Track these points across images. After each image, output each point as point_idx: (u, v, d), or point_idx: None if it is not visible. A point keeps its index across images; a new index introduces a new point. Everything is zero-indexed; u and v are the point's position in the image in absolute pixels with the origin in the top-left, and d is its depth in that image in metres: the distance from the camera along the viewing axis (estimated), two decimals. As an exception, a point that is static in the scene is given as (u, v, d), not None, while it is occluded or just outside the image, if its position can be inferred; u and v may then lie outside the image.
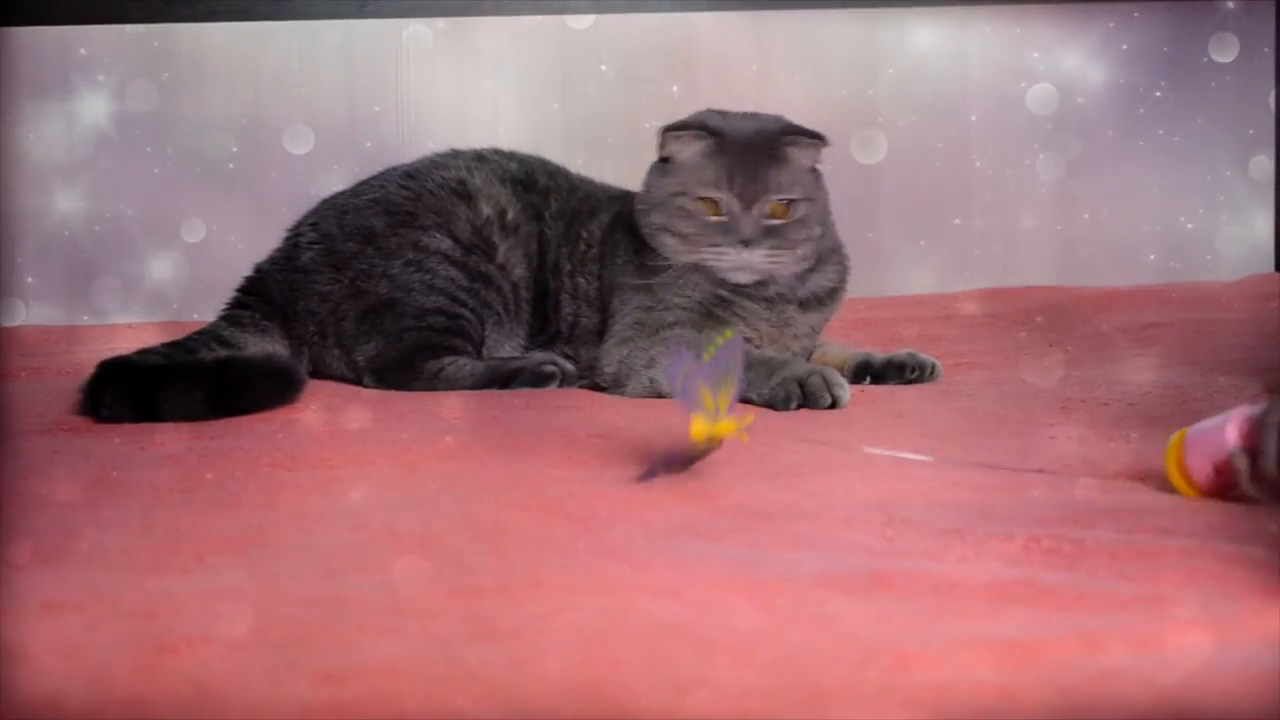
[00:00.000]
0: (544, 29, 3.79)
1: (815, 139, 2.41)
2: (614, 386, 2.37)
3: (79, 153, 3.65)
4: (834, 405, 2.16)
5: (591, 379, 2.43)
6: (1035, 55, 3.89)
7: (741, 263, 2.34)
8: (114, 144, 3.66)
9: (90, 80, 3.66)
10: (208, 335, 2.48)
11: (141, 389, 2.18)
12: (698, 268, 2.38)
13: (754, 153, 2.37)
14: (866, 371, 2.43)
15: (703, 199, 2.35)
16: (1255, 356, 2.53)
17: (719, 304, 2.38)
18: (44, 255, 3.65)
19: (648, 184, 2.44)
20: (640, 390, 2.33)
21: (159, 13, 3.69)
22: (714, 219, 2.34)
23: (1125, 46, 3.89)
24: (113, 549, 1.37)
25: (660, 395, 2.29)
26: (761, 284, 2.39)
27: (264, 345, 2.49)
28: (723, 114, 2.47)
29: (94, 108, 3.66)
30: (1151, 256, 3.91)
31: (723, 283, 2.37)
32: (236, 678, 1.05)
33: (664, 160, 2.43)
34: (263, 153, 3.71)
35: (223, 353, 2.39)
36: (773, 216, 2.34)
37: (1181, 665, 1.05)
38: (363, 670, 1.05)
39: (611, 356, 2.39)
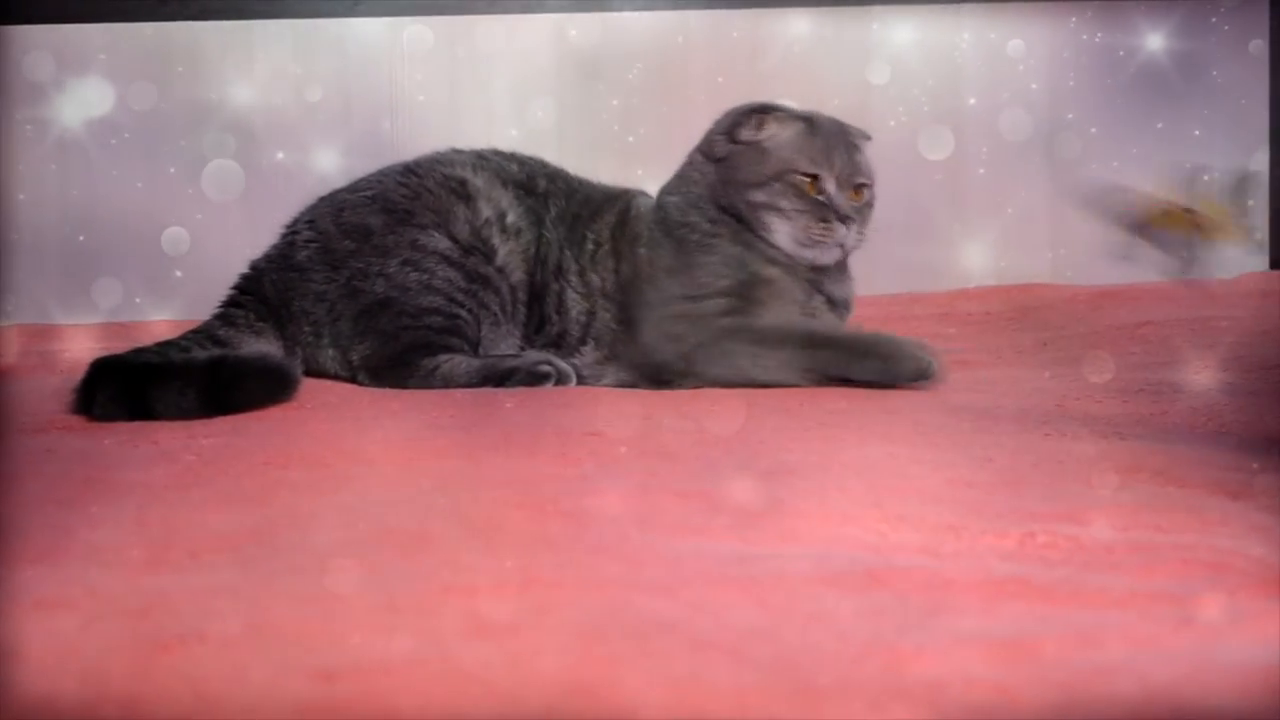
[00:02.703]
0: (538, 28, 3.79)
1: (868, 138, 2.61)
2: (678, 378, 2.40)
3: (72, 150, 3.65)
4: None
5: (634, 374, 2.46)
6: (1028, 53, 3.90)
7: (840, 239, 2.46)
8: (109, 141, 3.66)
9: (84, 79, 3.66)
10: (201, 334, 2.47)
11: (135, 387, 2.17)
12: (739, 246, 2.48)
13: (839, 139, 2.53)
14: None
15: (807, 175, 2.46)
16: (1251, 354, 2.53)
17: (759, 284, 2.46)
18: (37, 253, 3.65)
19: (737, 165, 2.52)
20: (721, 380, 2.37)
21: (153, 12, 3.69)
22: (817, 197, 2.46)
23: (1121, 44, 3.90)
24: (107, 547, 1.37)
25: (742, 384, 2.35)
26: (819, 270, 2.50)
27: (258, 345, 2.48)
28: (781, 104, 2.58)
29: (89, 106, 3.66)
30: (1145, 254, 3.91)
31: (768, 262, 2.47)
32: (231, 676, 1.05)
33: (742, 144, 2.52)
34: (258, 150, 3.71)
35: (216, 351, 2.38)
36: (852, 200, 2.49)
37: (1177, 662, 1.05)
38: (357, 668, 1.05)
39: (665, 350, 2.42)
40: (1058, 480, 1.62)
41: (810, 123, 2.52)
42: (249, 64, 3.72)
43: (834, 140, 2.50)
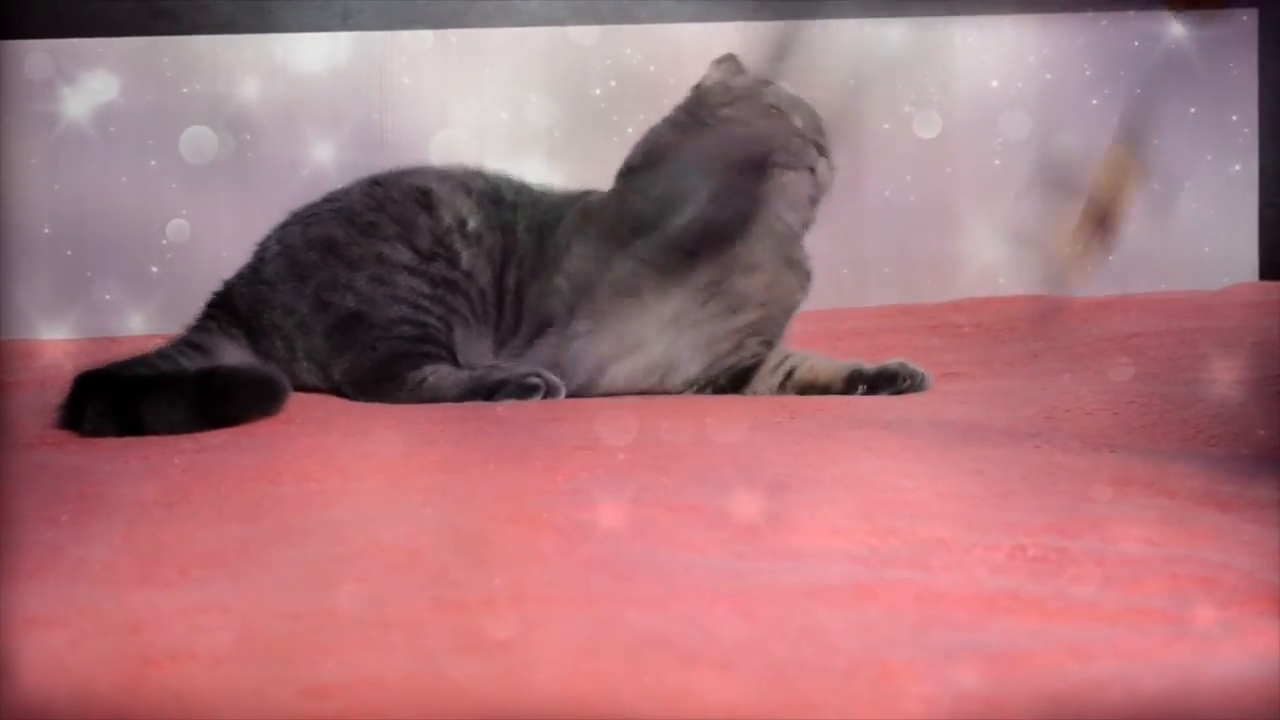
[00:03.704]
0: (529, 40, 3.80)
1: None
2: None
3: (65, 164, 3.65)
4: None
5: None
6: (1017, 61, 3.90)
7: (811, 160, 2.54)
8: (100, 156, 3.66)
9: (77, 92, 3.66)
10: (182, 344, 2.48)
11: (124, 401, 2.17)
12: None
13: (807, 105, 2.63)
14: (859, 381, 2.44)
15: (771, 105, 2.56)
16: (1242, 365, 2.54)
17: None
18: (28, 267, 3.65)
19: (699, 96, 2.65)
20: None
21: (146, 26, 3.70)
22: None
23: (1110, 53, 3.91)
24: (97, 563, 1.37)
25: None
26: None
27: (237, 353, 2.50)
28: None
29: (81, 120, 3.66)
30: (1135, 265, 3.91)
31: None
32: (220, 692, 1.04)
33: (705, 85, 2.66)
34: (248, 165, 3.71)
35: (206, 363, 2.39)
36: None
37: (1168, 675, 1.05)
38: (347, 684, 1.05)
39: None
40: (1048, 493, 1.62)
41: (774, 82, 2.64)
42: (243, 59, 3.72)
43: (798, 98, 2.61)
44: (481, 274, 2.55)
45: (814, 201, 2.58)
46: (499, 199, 2.64)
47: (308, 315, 2.50)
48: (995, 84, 3.90)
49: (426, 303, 2.48)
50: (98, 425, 2.15)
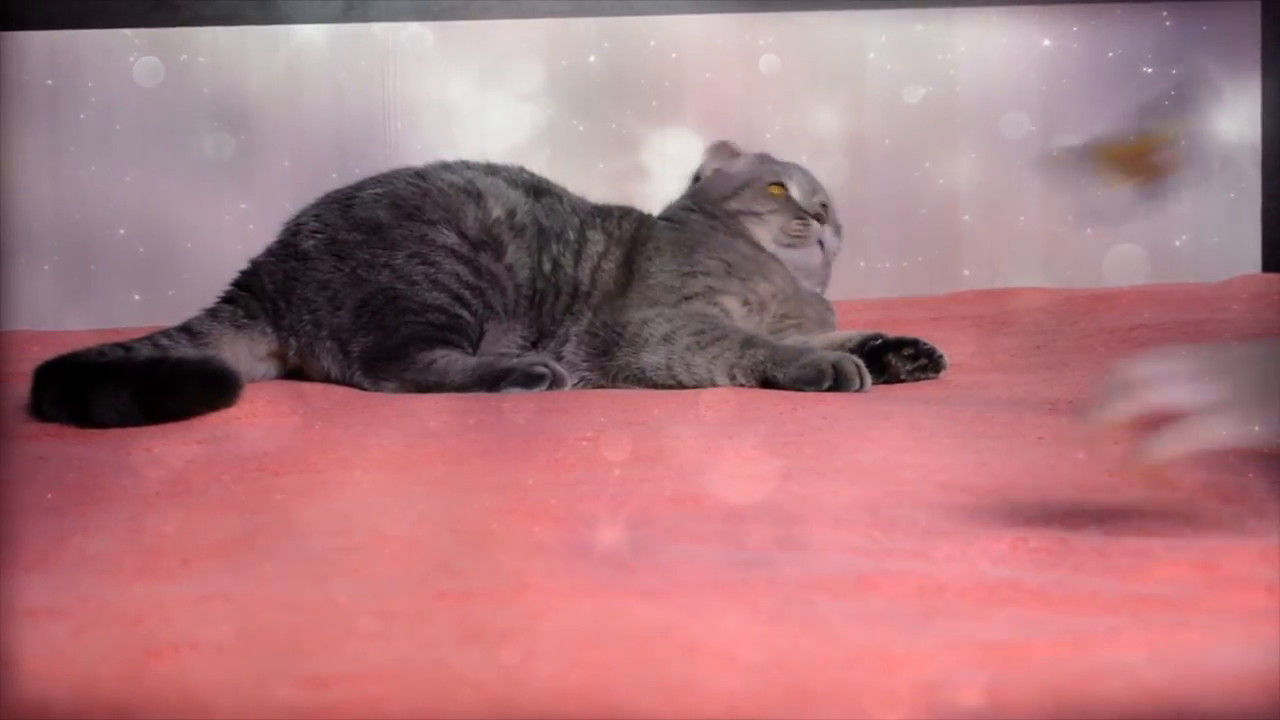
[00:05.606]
0: (531, 31, 3.79)
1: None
2: (629, 347, 2.43)
3: (67, 155, 3.65)
4: (861, 389, 2.32)
5: (607, 335, 2.47)
6: (1023, 54, 3.89)
7: (818, 234, 2.71)
8: (103, 147, 3.66)
9: (79, 85, 3.65)
10: (180, 330, 2.48)
11: (73, 389, 2.15)
12: (735, 236, 2.69)
13: (795, 165, 2.85)
14: (876, 339, 2.53)
15: (773, 183, 2.73)
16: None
17: (748, 262, 2.62)
18: (30, 257, 3.65)
19: (709, 188, 2.80)
20: (656, 363, 2.39)
21: (145, 18, 3.69)
22: (787, 199, 2.72)
23: (1112, 44, 3.90)
24: (99, 554, 1.37)
25: (666, 382, 2.40)
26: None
27: (237, 342, 2.49)
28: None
29: (83, 112, 3.65)
30: (1139, 258, 3.91)
31: (756, 243, 2.70)
32: (223, 683, 1.04)
33: (712, 173, 2.85)
34: (251, 159, 3.70)
35: (196, 350, 2.39)
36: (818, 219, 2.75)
37: (1169, 666, 1.05)
38: (349, 675, 1.05)
39: (634, 315, 2.45)
40: (1050, 484, 1.62)
41: (766, 154, 2.86)
42: (242, 56, 3.72)
43: (790, 165, 2.80)
44: (521, 268, 2.57)
45: (827, 264, 2.77)
46: (541, 192, 2.68)
47: (340, 290, 2.50)
48: (1005, 73, 3.89)
49: (468, 294, 2.49)
50: (52, 413, 2.14)
